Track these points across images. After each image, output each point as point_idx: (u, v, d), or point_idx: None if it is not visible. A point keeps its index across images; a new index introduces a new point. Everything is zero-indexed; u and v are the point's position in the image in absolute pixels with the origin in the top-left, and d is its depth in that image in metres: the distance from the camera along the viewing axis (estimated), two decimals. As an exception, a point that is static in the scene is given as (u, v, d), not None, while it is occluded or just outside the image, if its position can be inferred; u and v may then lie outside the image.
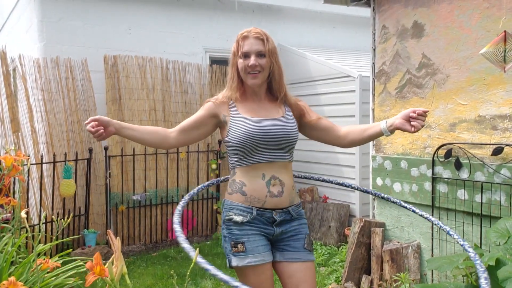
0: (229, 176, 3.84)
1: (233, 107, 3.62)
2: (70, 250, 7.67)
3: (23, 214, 3.04)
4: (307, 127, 3.81)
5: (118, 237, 2.01)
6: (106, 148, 8.77)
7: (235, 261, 3.55)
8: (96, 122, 3.39)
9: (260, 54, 3.51)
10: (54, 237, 4.23)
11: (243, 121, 3.53)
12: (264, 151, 3.51)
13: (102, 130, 3.37)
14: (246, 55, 3.53)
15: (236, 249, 3.52)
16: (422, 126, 3.36)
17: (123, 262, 2.04)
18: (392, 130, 3.48)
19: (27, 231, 3.06)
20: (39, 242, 5.78)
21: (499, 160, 5.16)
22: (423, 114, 3.34)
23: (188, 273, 2.68)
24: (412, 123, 3.36)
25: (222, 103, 3.66)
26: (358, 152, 8.60)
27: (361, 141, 3.72)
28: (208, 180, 9.75)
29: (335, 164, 9.35)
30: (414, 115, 3.34)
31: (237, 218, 3.52)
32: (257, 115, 3.57)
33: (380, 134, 3.57)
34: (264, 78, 3.58)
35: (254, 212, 3.51)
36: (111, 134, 3.49)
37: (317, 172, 9.78)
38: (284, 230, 3.59)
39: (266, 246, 3.56)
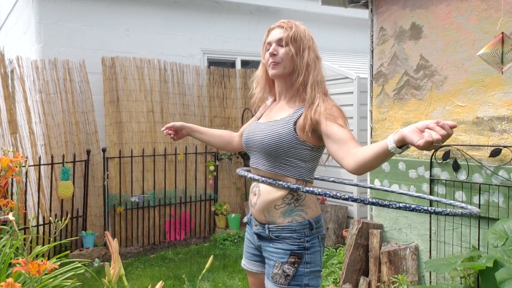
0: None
1: (266, 109, 3.52)
2: (68, 251, 7.66)
3: (11, 217, 3.04)
4: (324, 138, 3.04)
5: (115, 239, 2.00)
6: (104, 150, 8.78)
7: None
8: (169, 130, 3.83)
9: (280, 43, 3.21)
10: (52, 239, 4.24)
11: (250, 125, 3.49)
12: (253, 157, 3.36)
13: (172, 135, 3.83)
14: (268, 44, 3.29)
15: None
16: (437, 141, 2.13)
17: (120, 263, 2.04)
18: (399, 142, 2.37)
19: (25, 233, 3.06)
20: (37, 244, 5.79)
21: (497, 162, 5.16)
22: (444, 126, 2.17)
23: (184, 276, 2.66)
24: (424, 133, 2.17)
25: (265, 105, 3.56)
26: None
27: (368, 161, 2.64)
28: (205, 182, 9.78)
29: (332, 165, 9.33)
30: (432, 125, 2.18)
31: (245, 219, 3.57)
32: (264, 119, 3.38)
33: (385, 149, 2.48)
34: (284, 70, 3.21)
35: (249, 215, 3.47)
36: (184, 136, 3.89)
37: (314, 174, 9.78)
38: (263, 246, 3.30)
39: (251, 255, 3.49)
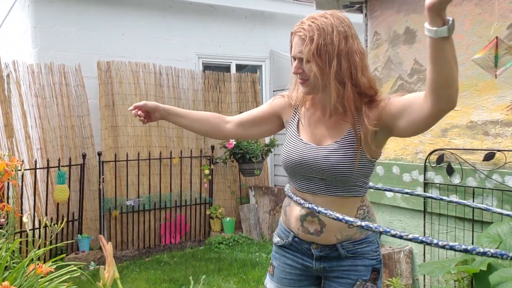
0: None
1: (295, 115, 2.94)
2: (64, 255, 7.68)
3: (25, 219, 3.06)
4: (392, 127, 2.60)
5: (110, 242, 2.02)
6: (99, 154, 8.79)
7: (266, 280, 3.19)
8: (138, 110, 3.15)
9: (301, 59, 2.65)
10: (48, 242, 4.25)
11: (291, 139, 2.88)
12: (304, 180, 2.85)
13: (142, 118, 3.14)
14: (293, 57, 2.73)
15: (269, 268, 3.16)
16: None
17: (115, 267, 2.06)
18: (432, 22, 2.21)
19: (21, 236, 3.08)
20: (33, 247, 5.80)
21: (491, 166, 5.19)
22: None
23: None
24: None
25: (290, 106, 2.97)
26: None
27: (437, 73, 2.26)
28: (200, 186, 9.79)
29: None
30: None
31: (275, 239, 3.10)
32: (309, 136, 2.83)
33: (430, 42, 2.25)
34: (314, 87, 2.70)
35: (290, 238, 2.95)
36: (157, 119, 3.22)
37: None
38: (329, 268, 2.87)
39: (296, 281, 3.00)
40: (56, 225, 3.67)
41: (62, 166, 8.22)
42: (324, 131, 2.79)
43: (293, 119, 2.94)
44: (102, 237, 2.08)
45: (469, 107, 5.40)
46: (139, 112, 3.14)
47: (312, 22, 2.63)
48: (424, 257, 5.93)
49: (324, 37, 2.56)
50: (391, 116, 2.56)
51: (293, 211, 2.93)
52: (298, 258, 2.96)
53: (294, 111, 2.95)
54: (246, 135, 3.23)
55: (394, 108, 2.54)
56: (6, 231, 4.32)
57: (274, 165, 11.31)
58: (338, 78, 2.60)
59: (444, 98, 2.27)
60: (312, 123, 2.86)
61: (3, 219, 5.04)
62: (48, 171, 8.17)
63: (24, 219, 3.11)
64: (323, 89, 2.70)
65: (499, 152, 5.10)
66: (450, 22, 2.17)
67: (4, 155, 4.95)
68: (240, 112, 10.28)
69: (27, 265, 3.71)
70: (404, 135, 2.65)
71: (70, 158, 8.47)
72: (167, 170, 9.61)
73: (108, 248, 1.97)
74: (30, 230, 7.80)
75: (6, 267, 4.07)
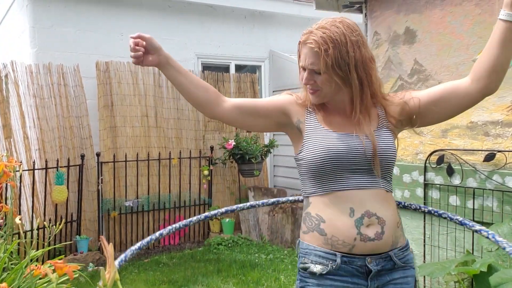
0: (298, 197, 3.15)
1: (311, 114, 2.75)
2: (63, 256, 7.66)
3: (17, 221, 3.03)
4: (421, 114, 2.69)
5: (111, 244, 2.00)
6: (98, 154, 8.78)
7: None
8: (141, 41, 2.70)
9: (314, 71, 2.57)
10: (46, 243, 4.23)
11: (322, 133, 2.66)
12: (351, 175, 2.60)
13: (141, 53, 2.67)
14: (302, 68, 2.65)
15: None
16: None
17: (115, 268, 2.04)
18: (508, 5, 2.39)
19: (19, 237, 3.05)
20: (31, 248, 5.79)
21: (491, 166, 5.17)
22: None
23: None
24: None
25: (302, 106, 2.78)
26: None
27: (503, 56, 2.47)
28: (199, 187, 9.78)
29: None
30: None
31: (315, 268, 2.59)
32: (341, 129, 2.67)
33: (506, 26, 2.41)
34: (325, 97, 2.67)
35: (338, 260, 2.56)
36: (152, 64, 2.72)
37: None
38: (381, 286, 2.62)
39: None
40: (54, 226, 3.66)
41: (60, 167, 8.20)
42: (355, 124, 2.66)
43: (311, 118, 2.74)
44: (103, 238, 2.05)
45: (469, 107, 5.38)
46: (140, 45, 2.69)
47: (323, 32, 2.53)
48: (424, 259, 5.91)
49: (339, 49, 2.50)
50: (422, 107, 2.66)
51: (338, 223, 2.58)
52: (349, 283, 2.59)
53: (308, 110, 2.76)
54: (238, 122, 2.86)
55: (426, 99, 2.65)
56: (5, 232, 4.30)
57: (274, 165, 11.29)
58: (356, 86, 2.57)
59: (499, 80, 2.52)
60: (333, 122, 2.71)
61: (1, 220, 5.03)
62: (46, 172, 8.15)
63: (17, 221, 3.09)
64: (335, 95, 2.66)
65: (499, 153, 5.08)
66: None
67: (2, 156, 4.93)
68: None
69: (25, 266, 3.69)
70: (436, 122, 2.81)
71: (68, 159, 8.45)
72: (166, 171, 9.60)
73: (109, 250, 1.95)
74: (28, 231, 7.78)
75: (4, 268, 4.05)
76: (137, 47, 2.68)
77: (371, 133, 2.62)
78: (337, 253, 2.56)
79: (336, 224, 2.57)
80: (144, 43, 2.70)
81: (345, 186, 2.59)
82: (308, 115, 2.74)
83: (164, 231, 3.00)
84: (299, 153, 2.69)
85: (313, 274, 2.61)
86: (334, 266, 2.56)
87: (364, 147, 2.58)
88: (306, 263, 2.64)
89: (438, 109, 2.63)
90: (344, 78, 2.54)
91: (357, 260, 2.55)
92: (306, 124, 2.71)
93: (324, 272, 2.57)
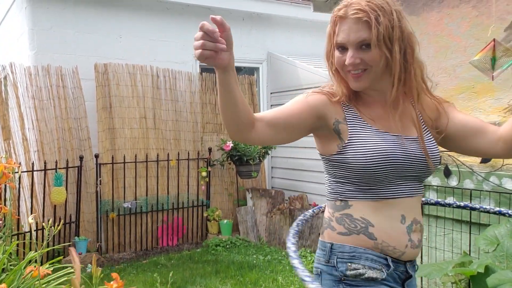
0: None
1: (351, 109, 2.42)
2: (61, 257, 7.66)
3: (30, 220, 3.05)
4: (446, 136, 2.51)
5: (78, 256, 1.98)
6: (96, 156, 8.79)
7: None
8: (222, 32, 2.15)
9: (363, 45, 2.25)
10: (45, 245, 4.24)
11: (372, 133, 2.36)
12: (402, 181, 2.37)
13: (224, 46, 2.07)
14: (341, 47, 2.32)
15: None
16: None
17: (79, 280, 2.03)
18: None
19: (18, 238, 3.07)
20: (30, 249, 5.81)
21: (488, 168, 5.19)
22: None
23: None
24: None
25: (337, 102, 2.41)
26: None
27: None
28: (197, 188, 9.79)
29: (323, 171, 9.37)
30: None
31: (374, 274, 2.33)
32: (389, 129, 2.40)
33: None
34: (374, 78, 2.33)
35: (391, 265, 2.37)
36: (222, 64, 2.07)
37: (306, 180, 9.84)
38: None
39: None
40: (53, 227, 3.67)
41: (59, 168, 8.22)
42: (395, 121, 2.40)
43: (351, 114, 2.40)
44: (72, 250, 2.03)
45: (466, 109, 5.40)
46: (221, 36, 2.13)
47: (368, 1, 2.24)
48: (422, 260, 5.92)
49: (388, 18, 2.24)
50: (452, 126, 2.48)
51: (391, 229, 2.36)
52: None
53: (346, 105, 2.42)
54: (274, 140, 2.38)
55: (459, 121, 2.48)
56: (4, 233, 4.31)
57: (272, 167, 11.29)
58: (402, 64, 2.34)
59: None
60: (376, 117, 2.43)
61: (0, 222, 5.04)
62: (45, 173, 8.16)
63: (30, 220, 3.11)
64: (379, 78, 2.36)
65: (496, 154, 5.10)
66: None
67: (1, 157, 4.96)
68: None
69: (24, 267, 3.71)
70: (458, 152, 2.64)
71: (67, 160, 8.46)
72: (164, 172, 9.61)
73: (77, 262, 1.93)
74: (27, 232, 7.80)
75: (3, 269, 4.06)
76: (219, 39, 2.10)
77: (421, 136, 2.41)
78: (387, 257, 2.36)
79: (386, 230, 2.35)
80: (224, 32, 2.17)
81: (396, 194, 2.37)
82: (347, 112, 2.40)
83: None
84: (338, 153, 2.36)
85: (369, 281, 2.33)
86: (388, 271, 2.36)
87: (423, 153, 2.38)
88: (357, 269, 2.32)
89: (466, 141, 2.47)
90: (392, 52, 2.27)
91: (401, 266, 2.41)
92: (348, 122, 2.38)
93: (382, 277, 2.34)
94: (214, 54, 2.04)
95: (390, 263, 2.35)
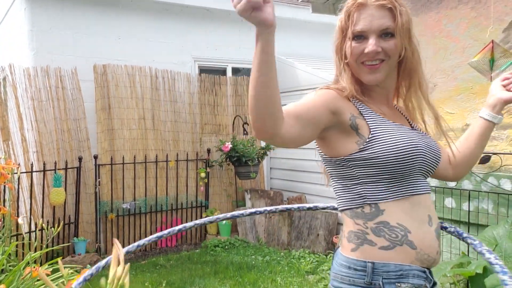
0: (328, 205, 2.83)
1: (362, 105, 2.27)
2: (60, 258, 7.67)
3: (20, 221, 3.06)
4: None
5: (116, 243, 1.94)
6: (95, 157, 8.79)
7: None
8: None
9: (386, 33, 2.17)
10: (44, 245, 4.25)
11: (395, 126, 2.24)
12: (421, 177, 2.27)
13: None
14: (360, 36, 2.20)
15: None
16: None
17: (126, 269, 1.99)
18: (499, 111, 2.43)
19: (17, 239, 3.08)
20: (29, 250, 5.81)
21: (487, 169, 5.20)
22: None
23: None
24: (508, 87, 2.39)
25: (347, 98, 2.25)
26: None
27: (479, 151, 2.52)
28: (196, 189, 9.79)
29: (322, 172, 9.37)
30: (508, 81, 2.41)
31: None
32: (401, 124, 2.33)
33: (487, 125, 2.45)
34: (388, 71, 2.25)
35: (432, 279, 2.24)
36: (267, 18, 1.92)
37: (304, 181, 9.84)
38: None
39: None
40: (52, 228, 3.67)
41: (58, 169, 8.22)
42: (399, 118, 2.38)
43: (365, 109, 2.25)
44: (116, 241, 2.01)
45: (465, 110, 5.41)
46: None
47: None
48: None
49: (406, 11, 2.19)
50: None
51: (422, 234, 2.19)
52: None
53: (356, 103, 2.26)
54: (300, 137, 2.05)
55: None
56: (3, 234, 4.32)
57: (270, 168, 11.29)
58: (414, 60, 2.31)
59: (467, 171, 2.54)
60: (385, 112, 2.33)
61: (0, 222, 5.05)
62: (44, 174, 8.16)
63: (20, 221, 3.11)
64: (391, 74, 2.30)
65: (494, 155, 5.11)
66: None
67: (0, 158, 4.96)
68: (236, 116, 10.33)
69: (23, 268, 3.72)
70: None
71: (66, 161, 8.47)
72: (163, 173, 9.61)
73: (115, 252, 1.91)
74: (26, 233, 7.80)
75: (2, 270, 4.07)
76: None
77: (427, 131, 2.42)
78: (425, 270, 2.18)
79: (421, 236, 2.17)
80: None
81: (419, 190, 2.22)
82: (360, 107, 2.25)
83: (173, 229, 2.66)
84: (362, 150, 2.15)
85: None
86: (430, 286, 2.20)
87: (438, 146, 2.37)
88: None
89: None
90: (411, 44, 2.24)
91: (430, 277, 2.24)
92: (366, 117, 2.21)
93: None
94: (261, 2, 1.84)
95: (429, 276, 2.20)
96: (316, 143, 2.32)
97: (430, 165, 2.27)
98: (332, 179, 2.33)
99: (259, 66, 1.94)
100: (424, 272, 2.15)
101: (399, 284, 2.09)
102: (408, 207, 2.17)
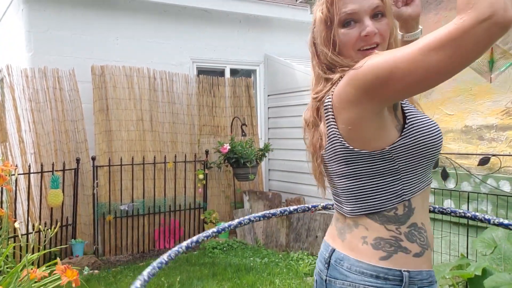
0: (325, 203, 2.72)
1: None
2: (58, 260, 7.65)
3: (16, 225, 3.04)
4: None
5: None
6: (93, 158, 8.77)
7: None
8: None
9: (376, 13, 2.01)
10: (41, 247, 4.23)
11: (416, 110, 2.08)
12: (430, 170, 2.09)
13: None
14: (349, 21, 2.01)
15: None
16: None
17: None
18: (410, 29, 2.34)
19: (15, 241, 3.06)
20: (27, 252, 5.80)
21: (486, 170, 5.19)
22: None
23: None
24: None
25: None
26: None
27: None
28: (194, 190, 9.77)
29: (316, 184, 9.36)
30: None
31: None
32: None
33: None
34: None
35: (437, 281, 2.11)
36: (411, 15, 2.22)
37: (303, 183, 9.82)
38: None
39: None
40: (50, 230, 3.66)
41: (56, 171, 8.20)
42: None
43: None
44: None
45: (464, 111, 5.40)
46: None
47: None
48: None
49: None
50: None
51: (430, 230, 2.07)
52: None
53: None
54: None
55: None
56: (0, 236, 4.30)
57: (269, 169, 11.28)
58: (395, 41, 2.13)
59: None
60: None
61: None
62: (42, 176, 8.15)
63: (16, 225, 3.10)
64: None
65: (494, 157, 5.10)
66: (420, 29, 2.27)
67: (-2, 160, 4.94)
68: (235, 117, 10.32)
69: (21, 270, 3.70)
70: None
71: (64, 163, 8.45)
72: (161, 174, 9.59)
73: None
74: (23, 235, 7.78)
75: (0, 271, 4.06)
76: None
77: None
78: (430, 270, 2.04)
79: (430, 232, 2.06)
80: None
81: (429, 182, 2.08)
82: None
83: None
84: (403, 137, 1.95)
85: None
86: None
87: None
88: None
89: None
90: (394, 24, 2.11)
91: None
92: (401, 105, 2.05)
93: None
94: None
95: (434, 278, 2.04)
96: (342, 138, 1.98)
97: (438, 153, 2.07)
98: (352, 179, 2.04)
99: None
100: (430, 270, 2.02)
101: None
102: (424, 200, 2.02)
